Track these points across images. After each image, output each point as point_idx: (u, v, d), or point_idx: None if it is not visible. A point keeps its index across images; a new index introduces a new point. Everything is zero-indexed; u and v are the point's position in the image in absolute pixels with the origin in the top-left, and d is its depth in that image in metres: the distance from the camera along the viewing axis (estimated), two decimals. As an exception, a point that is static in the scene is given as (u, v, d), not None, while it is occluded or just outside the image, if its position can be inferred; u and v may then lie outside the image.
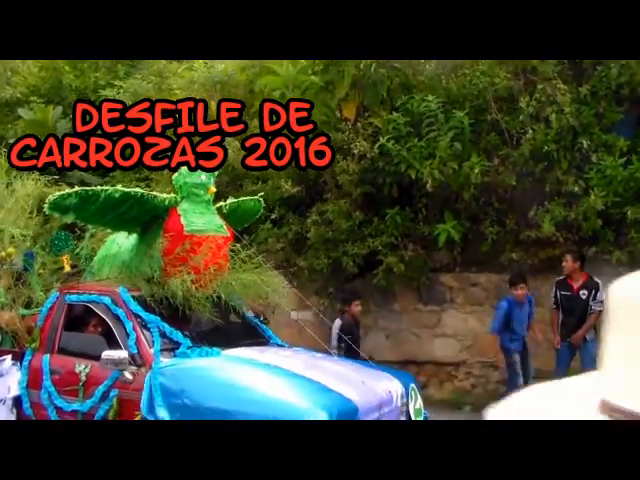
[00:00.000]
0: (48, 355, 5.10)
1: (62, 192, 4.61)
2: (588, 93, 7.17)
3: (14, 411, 5.16)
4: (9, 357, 5.25)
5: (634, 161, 6.76)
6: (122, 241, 5.53)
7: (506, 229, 7.40)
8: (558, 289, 6.75)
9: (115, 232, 5.74)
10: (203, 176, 5.25)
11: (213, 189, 5.34)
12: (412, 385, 5.17)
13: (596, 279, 6.64)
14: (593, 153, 7.00)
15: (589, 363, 6.43)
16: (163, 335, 4.78)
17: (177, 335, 4.78)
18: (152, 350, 4.64)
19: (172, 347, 4.75)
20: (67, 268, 5.91)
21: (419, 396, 5.20)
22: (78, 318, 5.28)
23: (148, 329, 4.79)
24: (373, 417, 4.45)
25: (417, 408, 5.10)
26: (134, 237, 5.42)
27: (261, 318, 5.97)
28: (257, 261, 4.99)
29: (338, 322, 6.70)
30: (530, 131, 7.11)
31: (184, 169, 5.26)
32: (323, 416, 3.93)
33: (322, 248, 7.88)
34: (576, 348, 6.66)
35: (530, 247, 7.29)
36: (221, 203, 5.66)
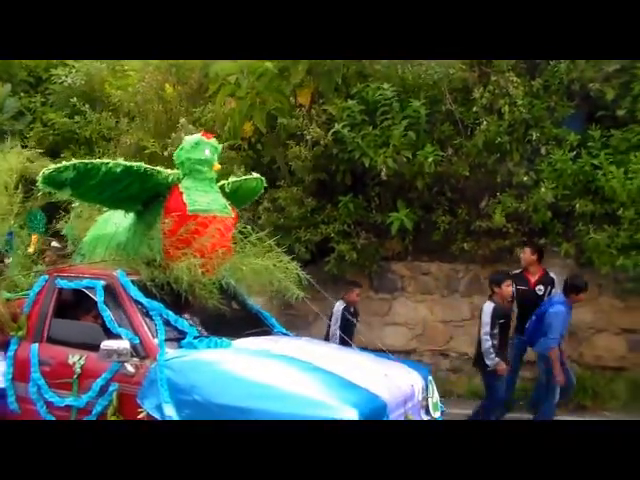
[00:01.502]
0: (37, 344, 4.68)
1: (58, 165, 4.16)
2: (540, 87, 7.38)
3: (-3, 405, 4.73)
4: (-7, 346, 4.81)
5: (583, 155, 6.93)
6: (118, 221, 5.08)
7: (458, 219, 7.52)
8: (514, 283, 6.50)
9: (110, 211, 5.30)
10: (207, 151, 4.85)
11: (218, 166, 4.94)
12: (430, 378, 4.89)
13: (552, 274, 6.64)
14: (544, 146, 7.19)
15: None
16: (166, 324, 4.38)
17: (183, 324, 4.40)
18: (156, 340, 4.25)
19: (176, 337, 4.36)
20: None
21: (435, 389, 4.92)
22: (70, 304, 4.84)
23: (150, 317, 4.39)
24: (399, 414, 4.15)
25: (435, 402, 4.82)
26: (131, 216, 4.98)
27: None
28: (268, 245, 4.60)
29: (340, 305, 6.43)
30: (484, 122, 7.23)
31: (187, 143, 4.86)
32: (353, 414, 3.60)
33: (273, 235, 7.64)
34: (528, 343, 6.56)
35: (481, 237, 7.42)
36: (223, 182, 5.25)
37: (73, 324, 4.78)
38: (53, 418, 4.47)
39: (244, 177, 5.70)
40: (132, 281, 4.51)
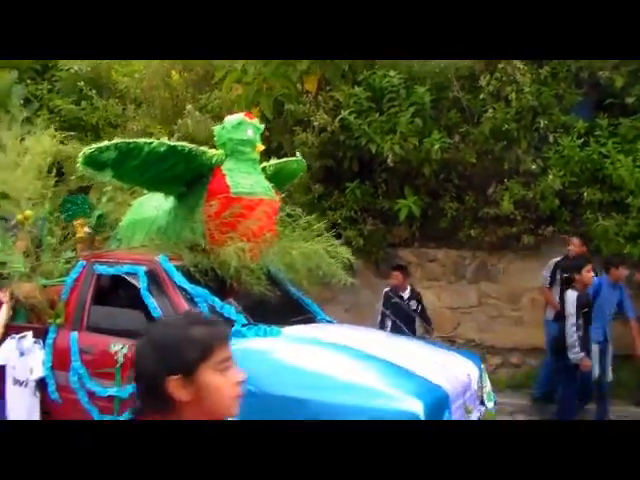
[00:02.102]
0: (76, 332, 4.51)
1: (99, 145, 3.98)
2: (548, 74, 7.21)
3: (37, 394, 4.60)
4: (30, 334, 4.65)
5: (591, 143, 6.87)
6: (157, 204, 4.90)
7: (465, 206, 7.47)
8: (559, 270, 6.50)
9: (147, 194, 5.12)
10: (250, 131, 4.66)
11: (261, 147, 4.75)
12: (483, 366, 4.71)
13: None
14: (552, 133, 7.14)
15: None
16: (212, 311, 4.20)
17: (230, 311, 4.22)
18: (203, 328, 4.06)
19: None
20: (80, 233, 5.29)
21: (487, 378, 4.73)
22: (109, 291, 4.67)
23: (195, 304, 4.21)
24: (459, 404, 3.97)
25: (488, 392, 4.64)
26: (171, 200, 4.80)
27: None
28: (318, 229, 4.40)
29: (384, 289, 6.30)
30: (490, 110, 7.17)
31: (228, 123, 4.66)
32: (417, 406, 3.43)
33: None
34: None
35: (488, 224, 7.37)
36: (265, 163, 5.06)
37: (114, 311, 4.63)
38: (95, 409, 4.33)
39: (286, 159, 5.51)
40: (176, 267, 4.33)
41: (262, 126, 4.83)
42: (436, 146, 7.09)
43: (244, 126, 4.65)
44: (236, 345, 3.92)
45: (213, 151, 4.45)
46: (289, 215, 4.47)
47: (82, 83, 9.38)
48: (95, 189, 5.72)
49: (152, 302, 4.19)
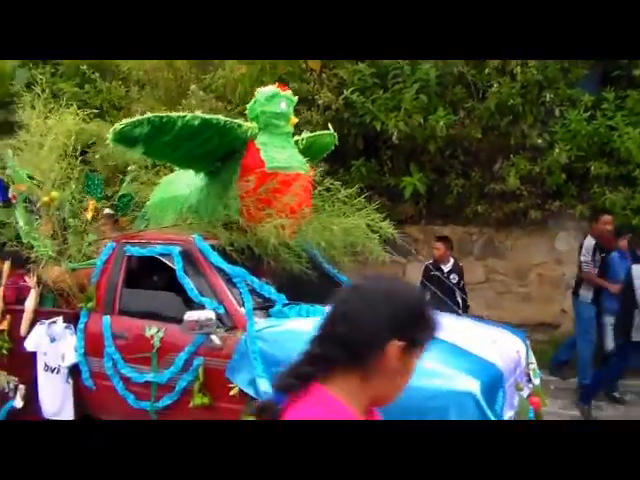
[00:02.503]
0: (108, 317, 4.34)
1: (131, 119, 3.77)
2: None
3: (70, 381, 4.45)
4: (60, 319, 4.49)
5: (598, 117, 6.79)
6: (187, 182, 4.70)
7: (471, 182, 7.34)
8: (598, 250, 6.31)
9: (175, 172, 4.92)
10: (283, 104, 4.44)
11: (295, 119, 4.53)
12: (528, 342, 4.51)
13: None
14: (558, 107, 7.08)
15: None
16: (251, 291, 4.01)
17: (269, 290, 4.03)
18: (242, 309, 3.89)
19: (262, 305, 4.00)
20: (89, 215, 5.10)
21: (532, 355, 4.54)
22: (141, 272, 4.49)
23: (233, 284, 4.02)
24: (511, 382, 3.78)
25: (534, 369, 4.44)
26: (202, 177, 4.59)
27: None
28: (359, 202, 4.18)
29: (424, 263, 6.31)
30: (496, 84, 7.05)
31: (261, 95, 4.43)
32: (474, 385, 3.24)
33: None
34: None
35: (495, 200, 7.28)
36: (297, 137, 4.84)
37: (148, 294, 4.45)
38: (131, 395, 4.17)
39: (318, 132, 5.29)
40: (211, 246, 4.14)
41: (295, 98, 4.61)
42: (441, 122, 6.99)
43: (277, 98, 4.43)
44: (281, 326, 3.78)
45: (248, 124, 4.23)
46: (328, 189, 4.24)
47: (85, 66, 9.19)
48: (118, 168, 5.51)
49: (188, 283, 4.00)
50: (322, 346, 1.35)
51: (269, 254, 4.24)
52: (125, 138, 3.83)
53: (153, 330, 4.08)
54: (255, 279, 4.05)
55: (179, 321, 3.96)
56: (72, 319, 4.48)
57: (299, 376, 1.35)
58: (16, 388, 4.75)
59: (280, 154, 4.39)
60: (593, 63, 7.14)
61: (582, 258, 6.27)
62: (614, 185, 6.79)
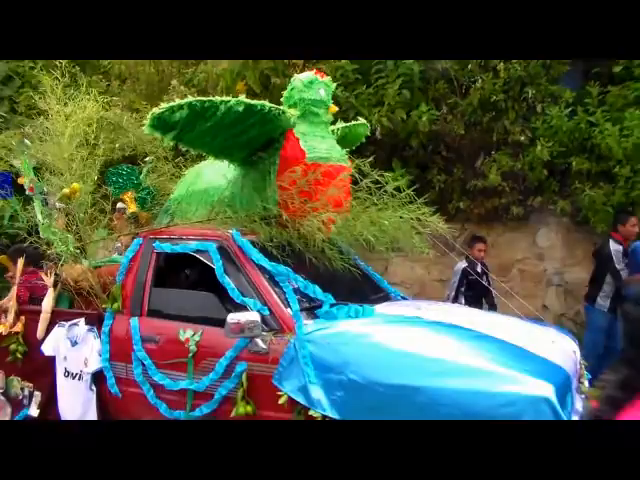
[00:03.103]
0: (136, 318, 4.02)
1: (170, 104, 3.45)
2: None
3: (93, 388, 4.13)
4: (82, 321, 4.16)
5: (579, 113, 6.87)
6: (218, 173, 4.41)
7: (453, 178, 7.39)
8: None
9: (203, 163, 4.62)
10: (322, 90, 4.17)
11: (334, 108, 4.26)
12: (577, 342, 4.29)
13: None
14: (540, 104, 7.12)
15: None
16: (296, 291, 3.73)
17: (315, 290, 3.75)
18: (289, 310, 3.60)
19: (307, 306, 3.73)
20: (132, 208, 4.78)
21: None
22: (172, 271, 4.18)
23: (276, 283, 3.73)
24: (575, 385, 3.55)
25: (584, 369, 4.22)
26: (235, 168, 4.30)
27: None
28: (407, 195, 3.90)
29: (460, 265, 6.00)
30: (479, 81, 7.13)
31: (299, 81, 4.15)
32: (548, 390, 2.99)
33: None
34: None
35: (476, 196, 7.30)
36: (332, 127, 4.56)
37: (181, 294, 4.14)
38: (163, 403, 3.86)
39: (353, 122, 5.02)
40: (252, 242, 3.85)
41: (333, 85, 4.33)
42: (424, 118, 6.99)
43: (316, 85, 4.16)
44: (331, 328, 3.50)
45: (291, 111, 3.93)
46: (377, 182, 3.97)
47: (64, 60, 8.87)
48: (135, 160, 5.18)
49: (229, 283, 3.71)
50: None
51: (311, 251, 3.97)
52: (163, 124, 3.52)
53: (188, 333, 3.78)
54: (299, 278, 3.77)
55: (217, 323, 3.69)
56: (95, 321, 4.16)
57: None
58: (31, 395, 4.43)
59: (321, 144, 4.12)
60: (574, 59, 7.10)
61: (618, 266, 6.02)
62: (595, 181, 6.81)
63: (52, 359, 4.24)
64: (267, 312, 3.61)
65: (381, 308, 3.85)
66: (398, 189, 3.89)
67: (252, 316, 3.51)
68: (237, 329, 3.49)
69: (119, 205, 5.25)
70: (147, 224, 5.02)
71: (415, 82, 7.20)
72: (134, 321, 4.01)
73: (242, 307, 3.65)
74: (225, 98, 3.53)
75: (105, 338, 4.08)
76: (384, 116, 6.96)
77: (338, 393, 3.28)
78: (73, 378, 4.17)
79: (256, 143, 4.04)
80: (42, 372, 4.34)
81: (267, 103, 3.75)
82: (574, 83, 7.23)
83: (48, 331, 4.28)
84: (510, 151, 7.06)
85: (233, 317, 3.49)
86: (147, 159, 5.10)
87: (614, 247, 6.08)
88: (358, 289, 4.40)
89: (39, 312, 4.35)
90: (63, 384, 4.21)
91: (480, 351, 3.32)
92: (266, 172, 4.05)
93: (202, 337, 3.74)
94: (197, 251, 3.89)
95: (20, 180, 4.83)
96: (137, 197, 5.04)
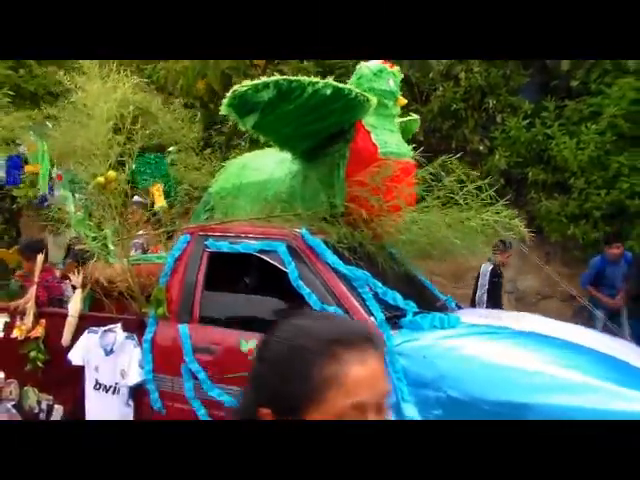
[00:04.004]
0: (185, 326, 3.59)
1: (255, 82, 3.06)
2: None
3: (131, 403, 3.67)
4: (119, 327, 3.71)
5: (537, 124, 7.09)
6: (269, 165, 4.03)
7: None
8: None
9: (247, 154, 4.24)
10: (391, 81, 3.86)
11: (404, 100, 3.96)
12: None
13: None
14: (499, 114, 7.34)
15: None
16: (375, 298, 3.39)
17: (397, 297, 3.42)
18: (373, 320, 3.26)
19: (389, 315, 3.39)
20: (160, 202, 4.34)
21: None
22: (226, 272, 3.76)
23: (354, 289, 3.38)
24: None
25: None
26: (294, 160, 3.92)
27: None
28: (488, 195, 3.61)
29: (488, 266, 5.91)
30: (440, 88, 7.30)
31: (367, 69, 3.83)
32: None
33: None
34: None
35: None
36: None
37: (241, 299, 3.73)
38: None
39: (408, 118, 4.72)
40: (325, 243, 3.49)
41: (401, 75, 4.03)
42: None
43: (385, 74, 3.85)
44: (422, 340, 3.18)
45: (373, 99, 3.58)
46: (461, 180, 3.67)
47: None
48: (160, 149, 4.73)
49: (305, 288, 3.33)
50: None
51: (382, 254, 3.65)
52: (244, 104, 3.13)
53: (252, 344, 3.38)
54: (378, 283, 3.43)
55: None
56: (134, 327, 3.71)
57: None
58: (50, 409, 3.94)
59: (391, 138, 3.81)
60: (534, 72, 7.38)
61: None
62: (550, 192, 7.04)
63: (79, 369, 3.77)
64: (348, 321, 3.25)
65: (465, 317, 3.55)
66: (479, 189, 3.58)
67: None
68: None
69: (136, 198, 4.79)
70: (169, 220, 4.58)
71: None
72: (183, 328, 3.58)
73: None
74: (313, 79, 3.17)
75: (147, 347, 3.63)
76: None
77: (435, 411, 2.97)
78: (106, 391, 3.71)
79: (325, 133, 3.68)
80: (65, 383, 3.86)
81: (354, 88, 3.40)
82: (532, 95, 7.44)
83: (75, 338, 3.80)
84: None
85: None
86: (171, 148, 4.65)
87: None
88: (422, 297, 4.08)
89: (62, 315, 3.87)
90: (93, 397, 3.74)
91: (579, 362, 3.07)
92: (334, 166, 3.70)
93: (269, 348, 3.35)
94: (262, 251, 3.50)
95: (29, 168, 4.32)
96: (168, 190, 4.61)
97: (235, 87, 3.07)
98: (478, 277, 6.06)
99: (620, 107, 6.96)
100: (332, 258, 3.42)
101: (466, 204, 3.56)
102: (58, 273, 4.33)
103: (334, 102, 3.32)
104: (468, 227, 3.55)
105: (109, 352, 3.69)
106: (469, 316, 3.69)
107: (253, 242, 3.55)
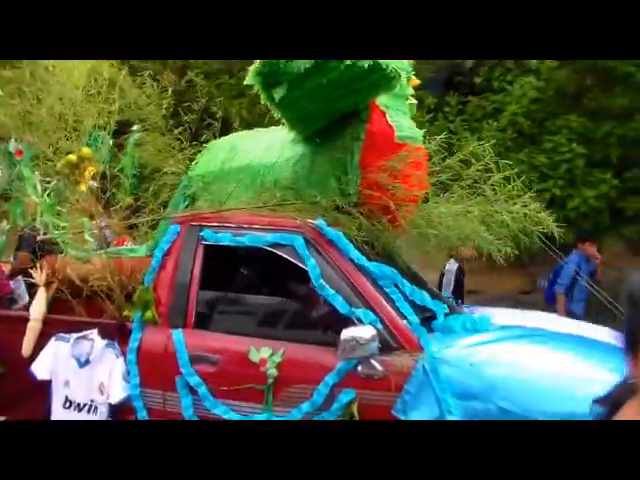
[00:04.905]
0: (180, 331, 3.09)
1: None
2: None
3: (111, 424, 3.11)
4: (95, 334, 3.15)
5: (439, 118, 7.32)
6: (262, 146, 3.58)
7: None
8: None
9: (234, 134, 3.77)
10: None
11: (416, 81, 3.64)
12: None
13: None
14: None
15: None
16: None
17: (424, 298, 3.10)
18: (406, 323, 2.92)
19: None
20: (83, 187, 3.75)
21: None
22: (227, 268, 3.28)
23: (379, 287, 3.02)
24: None
25: None
26: (297, 141, 3.48)
27: None
28: (515, 186, 3.33)
29: (454, 264, 5.70)
30: None
31: None
32: None
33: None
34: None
35: None
36: None
37: (248, 300, 3.26)
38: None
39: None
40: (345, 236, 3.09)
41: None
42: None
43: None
44: (463, 346, 2.88)
45: (402, 72, 3.19)
46: (487, 170, 3.36)
47: None
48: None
49: (327, 288, 2.93)
50: None
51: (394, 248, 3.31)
52: (273, 73, 2.67)
53: (265, 352, 2.94)
54: (406, 282, 3.08)
55: (303, 339, 2.93)
56: (114, 334, 3.16)
57: None
58: (4, 433, 3.29)
59: (405, 121, 3.48)
60: (439, 67, 7.41)
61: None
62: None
63: (44, 384, 3.17)
64: (380, 325, 2.89)
65: (498, 318, 3.27)
66: (507, 179, 3.30)
67: (367, 331, 2.78)
68: (352, 348, 2.75)
69: (91, 183, 4.15)
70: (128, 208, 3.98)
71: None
72: (178, 335, 3.07)
73: (335, 318, 2.91)
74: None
75: (133, 357, 3.09)
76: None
77: (485, 426, 2.68)
78: (79, 410, 3.13)
79: (339, 113, 3.27)
80: (24, 402, 3.24)
81: (392, 62, 3.00)
82: (436, 90, 7.48)
83: (38, 346, 3.20)
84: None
85: (350, 333, 2.74)
86: (134, 127, 4.06)
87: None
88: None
89: (21, 319, 3.25)
90: (62, 418, 3.15)
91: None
92: (347, 149, 3.30)
93: (285, 357, 2.92)
94: (275, 245, 3.05)
95: None
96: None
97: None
98: (442, 275, 5.89)
99: (521, 105, 7.20)
100: (355, 254, 3.04)
101: (493, 195, 3.27)
102: (6, 268, 3.66)
103: (368, 77, 2.91)
104: (498, 221, 3.26)
105: (83, 363, 3.12)
106: (502, 317, 3.42)
107: (262, 234, 3.09)
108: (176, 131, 4.07)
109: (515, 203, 3.30)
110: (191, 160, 4.00)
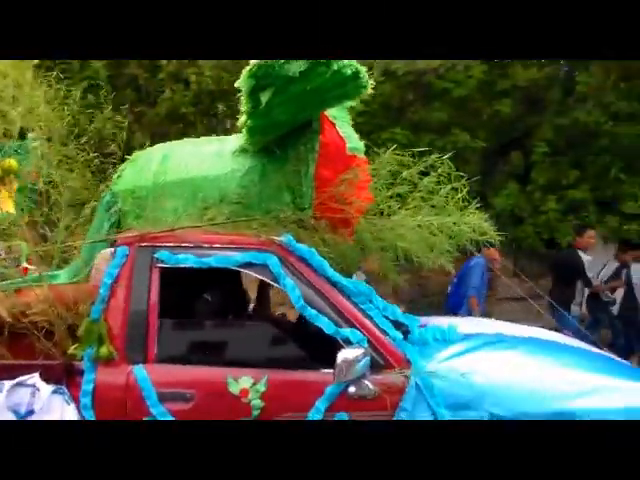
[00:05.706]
0: (141, 367, 2.75)
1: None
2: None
3: None
4: (37, 378, 2.70)
5: None
6: (202, 158, 3.31)
7: None
8: None
9: (176, 141, 3.48)
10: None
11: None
12: None
13: None
14: (230, 119, 7.42)
15: None
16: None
17: (396, 312, 3.09)
18: (390, 340, 2.88)
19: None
20: (10, 206, 3.32)
21: None
22: (187, 292, 2.97)
23: (355, 305, 2.94)
24: None
25: None
26: (240, 154, 3.26)
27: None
28: (463, 198, 3.41)
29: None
30: (168, 90, 7.44)
31: None
32: None
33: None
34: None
35: None
36: None
37: (218, 326, 2.96)
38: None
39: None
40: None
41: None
42: (108, 125, 6.83)
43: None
44: (446, 357, 2.92)
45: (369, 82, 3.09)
46: (438, 182, 3.37)
47: None
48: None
49: (310, 309, 2.78)
50: None
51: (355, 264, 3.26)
52: (265, 76, 2.47)
53: (245, 382, 2.72)
54: (379, 297, 3.03)
55: (285, 364, 2.78)
56: (60, 376, 2.72)
57: None
58: None
59: (351, 132, 3.43)
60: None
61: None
62: None
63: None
64: (365, 343, 2.81)
65: (464, 327, 3.33)
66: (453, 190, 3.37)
67: (359, 351, 2.70)
68: (346, 370, 2.65)
69: None
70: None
71: (102, 86, 6.86)
72: (139, 371, 2.73)
73: (317, 338, 2.79)
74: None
75: (88, 402, 2.69)
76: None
77: (478, 433, 2.74)
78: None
79: (299, 123, 3.12)
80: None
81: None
82: None
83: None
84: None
85: (346, 355, 2.64)
86: (30, 135, 3.54)
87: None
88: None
89: None
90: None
91: (594, 364, 3.12)
92: (301, 161, 3.17)
93: (268, 385, 2.73)
94: (246, 265, 2.83)
95: None
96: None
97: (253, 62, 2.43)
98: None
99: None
100: (330, 271, 2.93)
101: (443, 207, 3.34)
102: None
103: (346, 84, 2.82)
104: (456, 232, 3.33)
105: (25, 415, 2.66)
106: (465, 325, 3.48)
107: (230, 254, 2.86)
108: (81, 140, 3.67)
109: (468, 214, 3.40)
110: (101, 173, 3.62)
